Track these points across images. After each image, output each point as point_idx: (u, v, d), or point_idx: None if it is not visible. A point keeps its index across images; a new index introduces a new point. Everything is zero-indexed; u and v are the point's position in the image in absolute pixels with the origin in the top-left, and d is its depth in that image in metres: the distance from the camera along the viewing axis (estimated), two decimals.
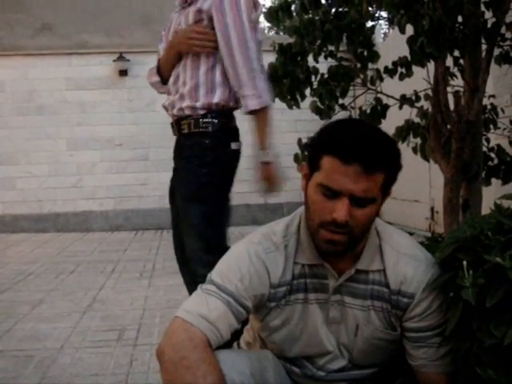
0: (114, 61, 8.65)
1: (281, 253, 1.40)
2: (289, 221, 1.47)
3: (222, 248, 2.13)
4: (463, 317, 1.28)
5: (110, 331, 3.35)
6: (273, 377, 1.45)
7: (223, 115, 2.51)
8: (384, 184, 1.28)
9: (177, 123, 2.55)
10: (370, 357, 1.48)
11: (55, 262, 5.86)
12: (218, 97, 2.45)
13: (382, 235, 1.41)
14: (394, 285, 1.39)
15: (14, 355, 2.95)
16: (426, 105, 3.26)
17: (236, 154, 2.59)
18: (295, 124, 8.41)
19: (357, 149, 1.23)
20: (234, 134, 2.59)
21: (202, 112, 2.47)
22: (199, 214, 2.47)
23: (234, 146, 2.55)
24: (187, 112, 2.48)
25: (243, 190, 8.78)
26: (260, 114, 2.40)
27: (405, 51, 2.97)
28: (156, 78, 2.66)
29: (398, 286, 1.38)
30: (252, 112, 2.38)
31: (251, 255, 1.39)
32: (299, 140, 3.33)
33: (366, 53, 3.23)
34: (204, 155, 2.50)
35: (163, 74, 2.64)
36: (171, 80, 2.57)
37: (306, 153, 1.39)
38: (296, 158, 3.30)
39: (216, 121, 2.50)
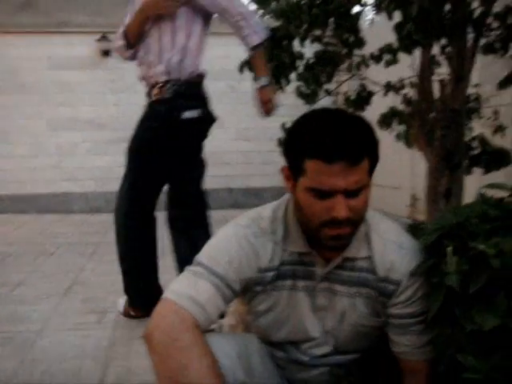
0: (96, 41, 8.54)
1: (268, 238, 1.40)
2: (275, 207, 1.46)
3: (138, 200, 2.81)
4: (445, 303, 1.29)
5: (91, 313, 3.34)
6: (258, 360, 1.46)
7: (184, 83, 2.71)
8: (370, 167, 1.29)
9: (148, 92, 2.70)
10: (354, 343, 1.49)
11: (35, 244, 5.81)
12: (182, 64, 2.57)
13: (369, 222, 1.42)
14: (381, 272, 1.40)
15: None
16: (410, 92, 3.27)
17: (190, 122, 2.74)
18: (279, 109, 8.38)
19: (339, 147, 1.22)
20: (193, 103, 2.73)
21: (163, 79, 2.60)
22: (127, 169, 2.90)
23: (187, 114, 2.72)
24: (155, 79, 2.61)
25: (225, 173, 8.83)
26: (259, 49, 2.75)
27: (390, 38, 2.97)
28: (121, 42, 2.73)
29: (385, 272, 1.39)
30: (254, 47, 2.72)
31: (240, 238, 1.38)
32: (283, 124, 3.33)
33: (352, 38, 3.23)
34: (151, 118, 2.79)
35: (129, 39, 2.71)
36: (142, 51, 2.66)
37: (285, 157, 1.35)
38: (280, 143, 3.30)
39: (174, 88, 2.71)
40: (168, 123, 2.72)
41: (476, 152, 3.12)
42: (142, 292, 3.09)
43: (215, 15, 2.79)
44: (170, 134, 2.75)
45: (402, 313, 1.40)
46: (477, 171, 3.14)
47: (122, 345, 2.82)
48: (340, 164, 1.21)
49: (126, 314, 3.22)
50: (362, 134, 1.27)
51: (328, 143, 1.22)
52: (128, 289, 3.14)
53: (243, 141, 8.84)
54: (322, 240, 1.32)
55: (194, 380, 1.19)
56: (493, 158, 3.05)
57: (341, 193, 1.24)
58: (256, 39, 2.72)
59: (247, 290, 1.41)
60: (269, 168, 8.77)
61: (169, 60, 2.70)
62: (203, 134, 2.90)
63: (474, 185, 2.85)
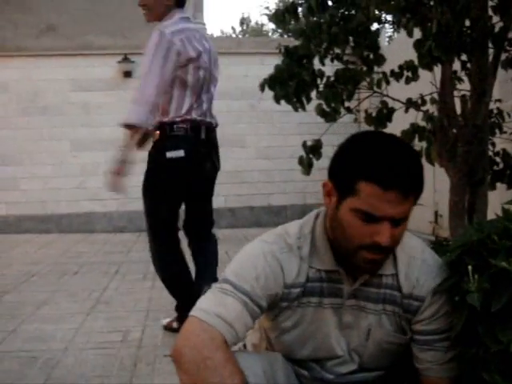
0: (118, 62, 8.66)
1: (295, 254, 1.39)
2: (302, 223, 1.46)
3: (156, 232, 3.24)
4: (469, 321, 1.28)
5: (114, 332, 3.35)
6: (283, 379, 1.44)
7: (164, 126, 3.10)
8: (415, 200, 1.30)
9: None
10: (379, 360, 1.48)
11: (59, 263, 5.86)
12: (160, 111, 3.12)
13: None
14: (406, 289, 1.40)
15: (19, 356, 2.95)
16: (431, 109, 3.26)
17: (173, 161, 3.09)
18: (299, 126, 8.40)
19: (397, 176, 1.23)
20: (174, 144, 3.09)
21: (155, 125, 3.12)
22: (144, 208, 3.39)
23: (169, 154, 3.09)
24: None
25: (246, 191, 8.85)
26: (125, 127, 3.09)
27: (410, 55, 2.97)
28: None
29: (410, 289, 1.39)
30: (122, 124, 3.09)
31: (266, 254, 1.38)
32: (304, 142, 3.33)
33: (371, 56, 3.24)
34: (148, 162, 3.26)
35: None
36: None
37: (333, 173, 1.35)
38: (300, 161, 3.30)
39: (158, 132, 3.14)
40: (156, 163, 3.20)
41: (499, 167, 3.10)
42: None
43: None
44: (158, 173, 3.20)
45: (426, 329, 1.40)
46: (501, 186, 3.12)
47: (145, 363, 2.83)
48: (395, 192, 1.23)
49: (169, 328, 3.30)
50: (417, 167, 1.29)
51: (387, 170, 1.23)
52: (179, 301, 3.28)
53: (264, 159, 8.86)
54: (357, 261, 1.31)
55: None
56: None
57: (388, 220, 1.25)
58: (124, 119, 3.09)
59: (273, 307, 1.41)
60: (289, 186, 8.77)
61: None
62: (193, 172, 3.14)
63: (498, 200, 2.82)
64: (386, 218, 1.25)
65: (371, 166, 1.24)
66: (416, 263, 1.40)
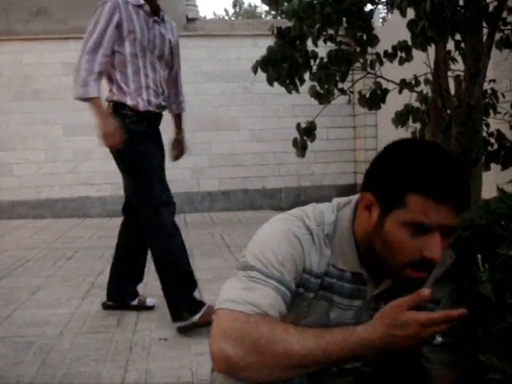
0: None
1: (315, 240, 1.32)
2: (322, 210, 1.37)
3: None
4: (474, 307, 1.26)
5: (109, 317, 3.36)
6: None
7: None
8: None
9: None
10: (385, 358, 1.46)
11: (53, 248, 5.85)
12: None
13: None
14: (421, 291, 1.36)
15: (14, 341, 2.95)
16: (425, 89, 3.25)
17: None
18: (293, 109, 8.37)
19: (451, 189, 1.17)
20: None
21: None
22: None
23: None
24: None
25: (240, 174, 8.83)
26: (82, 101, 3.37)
27: (404, 36, 2.95)
28: None
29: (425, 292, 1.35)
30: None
31: (288, 235, 1.29)
32: (298, 124, 3.31)
33: (365, 37, 3.22)
34: None
35: None
36: None
37: (375, 185, 1.28)
38: (295, 143, 3.29)
39: None
40: None
41: (493, 148, 3.09)
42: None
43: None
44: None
45: None
46: (495, 167, 3.12)
47: (140, 347, 2.83)
48: (449, 206, 1.17)
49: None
50: (468, 179, 1.24)
51: (441, 183, 1.17)
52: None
53: (257, 142, 8.84)
54: (401, 279, 1.26)
55: (298, 346, 1.13)
56: (510, 154, 3.02)
57: (439, 232, 1.18)
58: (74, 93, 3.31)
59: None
60: (283, 169, 8.76)
61: None
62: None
63: (491, 181, 2.82)
64: (438, 229, 1.18)
65: (424, 179, 1.18)
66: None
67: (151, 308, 3.47)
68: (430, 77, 3.06)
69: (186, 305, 3.03)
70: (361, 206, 1.29)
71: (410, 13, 2.58)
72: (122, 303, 3.48)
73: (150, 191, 3.14)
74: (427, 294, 1.13)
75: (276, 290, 1.22)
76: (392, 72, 3.30)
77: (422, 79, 3.29)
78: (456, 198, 1.17)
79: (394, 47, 3.18)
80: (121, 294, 3.49)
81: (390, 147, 1.29)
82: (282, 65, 3.16)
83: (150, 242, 3.22)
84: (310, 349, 1.14)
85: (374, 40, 3.21)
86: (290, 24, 3.16)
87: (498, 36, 2.82)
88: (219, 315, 1.19)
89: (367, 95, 3.31)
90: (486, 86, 3.02)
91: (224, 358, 1.13)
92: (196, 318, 2.97)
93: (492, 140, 3.10)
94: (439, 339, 1.19)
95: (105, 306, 3.50)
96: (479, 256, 1.23)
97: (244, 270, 1.26)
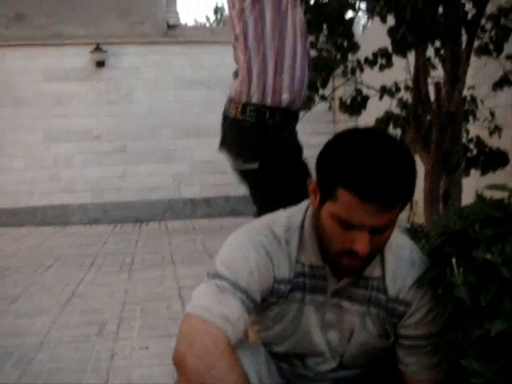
0: (90, 52, 8.54)
1: (283, 247, 1.33)
2: (291, 214, 1.39)
3: None
4: (452, 312, 1.26)
5: (90, 325, 3.32)
6: (266, 372, 1.41)
7: None
8: (401, 207, 1.22)
9: None
10: (360, 360, 1.44)
11: (33, 257, 5.79)
12: None
13: None
14: (392, 292, 1.34)
15: None
16: (405, 96, 3.27)
17: None
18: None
19: (377, 189, 1.13)
20: None
21: None
22: None
23: None
24: None
25: (222, 181, 8.82)
26: None
27: (384, 43, 2.97)
28: None
29: (396, 293, 1.34)
30: None
31: (256, 246, 1.31)
32: None
33: (346, 43, 3.23)
34: None
35: None
36: None
37: (316, 173, 1.25)
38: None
39: None
40: None
41: (473, 154, 3.12)
42: None
43: None
44: None
45: (413, 334, 1.35)
46: (474, 173, 3.14)
47: (122, 357, 2.81)
48: (374, 205, 1.14)
49: None
50: (404, 177, 1.18)
51: (366, 181, 1.13)
52: None
53: None
54: (338, 265, 1.27)
55: None
56: (490, 159, 3.05)
57: (366, 230, 1.18)
58: None
59: (262, 301, 1.34)
60: None
61: None
62: None
63: (471, 187, 2.84)
64: (363, 228, 1.17)
65: (351, 173, 1.15)
66: (404, 266, 1.34)
67: None
68: (410, 83, 3.08)
69: None
70: (309, 190, 1.29)
71: (390, 20, 2.60)
72: None
73: None
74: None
75: (242, 301, 1.24)
76: (372, 79, 3.32)
77: (402, 86, 3.31)
78: (382, 199, 1.14)
79: (374, 54, 3.20)
80: None
81: (337, 136, 1.27)
82: None
83: None
84: None
85: (354, 47, 3.22)
86: None
87: (476, 43, 2.85)
88: (192, 320, 1.22)
89: (348, 102, 3.32)
90: (466, 92, 3.05)
91: (179, 363, 1.19)
92: None
93: (471, 146, 3.13)
94: None
95: None
96: (454, 260, 1.23)
97: (213, 279, 1.28)
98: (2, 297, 4.05)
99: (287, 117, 2.08)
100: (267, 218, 1.40)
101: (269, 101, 2.01)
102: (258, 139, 1.99)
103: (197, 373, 1.16)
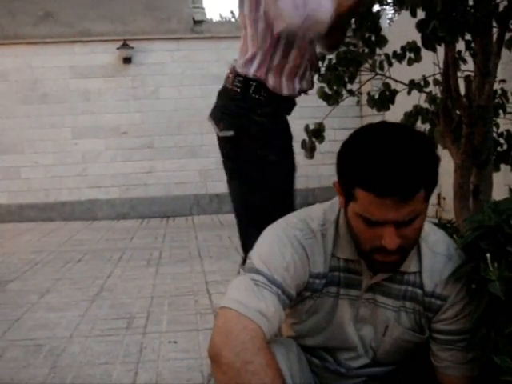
0: (117, 48, 8.61)
1: (318, 241, 1.34)
2: (327, 208, 1.39)
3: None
4: (486, 308, 1.25)
5: (119, 319, 3.35)
6: (297, 367, 1.40)
7: None
8: (426, 194, 1.20)
9: None
10: (393, 356, 1.44)
11: (62, 251, 5.86)
12: None
13: (420, 235, 1.33)
14: (429, 287, 1.34)
15: (24, 344, 2.95)
16: (434, 90, 3.23)
17: None
18: (301, 110, 8.30)
19: (392, 183, 1.14)
20: None
21: None
22: None
23: None
24: None
25: None
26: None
27: (411, 36, 2.93)
28: None
29: (433, 287, 1.34)
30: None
31: (292, 240, 1.31)
32: (306, 126, 3.30)
33: (373, 38, 3.20)
34: None
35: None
36: None
37: (338, 174, 1.28)
38: (303, 145, 3.28)
39: None
40: None
41: (503, 148, 3.07)
42: None
43: None
44: None
45: (448, 329, 1.35)
46: (504, 168, 3.10)
47: (150, 350, 2.83)
48: (392, 199, 1.15)
49: None
50: (420, 165, 1.17)
51: (381, 178, 1.14)
52: None
53: None
54: (372, 262, 1.27)
55: None
56: None
57: (391, 224, 1.18)
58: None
59: (297, 295, 1.35)
60: None
61: None
62: None
63: (501, 181, 2.81)
64: (388, 223, 1.18)
65: (364, 175, 1.16)
66: (441, 261, 1.34)
67: None
68: (439, 77, 3.04)
69: None
70: (337, 192, 1.31)
71: (419, 13, 2.57)
72: None
73: None
74: None
75: (277, 296, 1.26)
76: (401, 73, 3.28)
77: (431, 80, 3.27)
78: (398, 192, 1.14)
79: (402, 48, 3.17)
80: None
81: (353, 135, 1.27)
82: None
83: None
84: None
85: (382, 41, 3.19)
86: None
87: (508, 36, 2.80)
88: (228, 314, 1.23)
89: (376, 96, 3.29)
90: (496, 86, 3.00)
91: (215, 356, 1.20)
92: None
93: (502, 140, 3.08)
94: None
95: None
96: (488, 255, 1.22)
97: (250, 273, 1.29)
98: (32, 291, 4.11)
99: (274, 97, 2.12)
100: (301, 212, 1.41)
101: (256, 74, 2.06)
102: (238, 108, 2.03)
103: (232, 367, 1.16)
